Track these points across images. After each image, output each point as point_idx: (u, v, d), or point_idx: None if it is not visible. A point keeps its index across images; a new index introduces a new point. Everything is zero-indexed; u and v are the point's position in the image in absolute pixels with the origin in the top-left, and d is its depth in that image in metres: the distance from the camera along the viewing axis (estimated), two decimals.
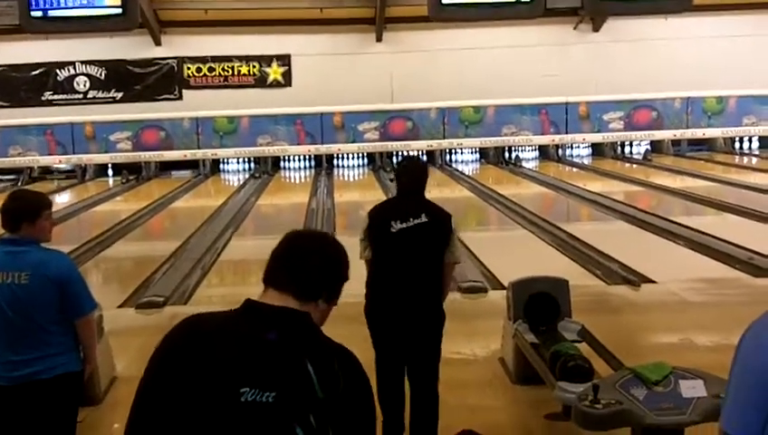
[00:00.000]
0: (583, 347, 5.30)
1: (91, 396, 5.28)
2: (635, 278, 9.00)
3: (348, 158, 23.08)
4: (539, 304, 5.65)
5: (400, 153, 22.99)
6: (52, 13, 7.83)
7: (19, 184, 22.10)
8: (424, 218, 4.81)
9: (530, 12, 8.34)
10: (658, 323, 7.76)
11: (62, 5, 7.83)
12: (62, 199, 18.99)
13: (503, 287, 8.58)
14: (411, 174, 5.01)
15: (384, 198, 16.83)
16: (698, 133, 23.44)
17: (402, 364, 4.85)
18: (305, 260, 2.19)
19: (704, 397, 3.71)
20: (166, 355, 2.10)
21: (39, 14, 7.86)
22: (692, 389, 3.71)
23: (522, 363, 5.63)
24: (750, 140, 24.02)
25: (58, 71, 23.07)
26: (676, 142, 23.76)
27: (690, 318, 7.86)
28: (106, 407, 5.43)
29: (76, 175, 22.87)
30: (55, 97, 23.20)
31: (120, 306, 8.53)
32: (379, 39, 23.18)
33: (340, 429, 2.04)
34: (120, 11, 7.96)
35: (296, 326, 2.09)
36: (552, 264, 9.95)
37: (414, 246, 4.77)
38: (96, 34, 20.85)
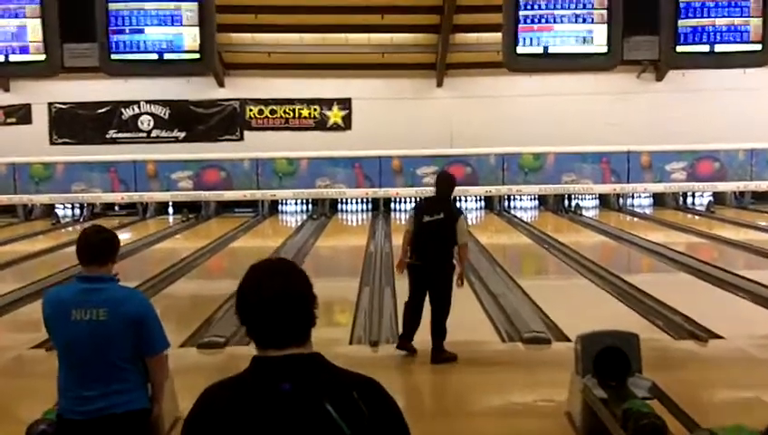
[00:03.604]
0: (654, 404, 5.16)
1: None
2: (702, 333, 8.78)
3: (405, 202, 23.12)
4: (608, 358, 5.53)
5: (458, 198, 22.95)
6: (131, 56, 7.97)
7: (81, 220, 22.51)
8: (441, 215, 7.92)
9: (606, 63, 8.26)
10: (728, 381, 7.53)
11: (142, 49, 7.96)
12: (122, 236, 19.09)
13: (566, 338, 8.48)
14: (439, 185, 8.24)
15: None
16: (762, 186, 23.05)
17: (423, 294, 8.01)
18: (291, 318, 2.17)
19: None
20: (194, 428, 2.15)
21: (119, 57, 8.01)
22: None
23: (590, 419, 5.49)
24: None
25: (123, 109, 23.56)
26: (739, 194, 23.39)
27: (760, 376, 7.63)
28: None
29: (137, 212, 23.23)
30: (119, 135, 23.65)
31: (181, 346, 8.56)
32: (439, 84, 23.29)
33: None
34: (198, 56, 8.07)
35: (307, 371, 2.12)
36: (615, 315, 9.80)
37: (434, 233, 7.90)
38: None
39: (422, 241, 7.96)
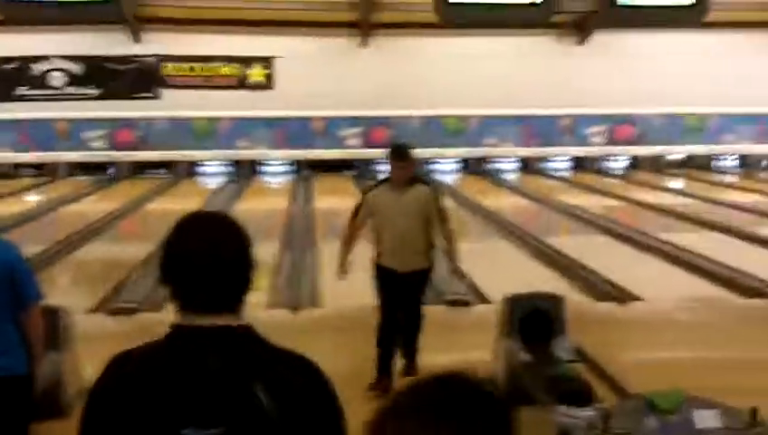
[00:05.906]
0: (579, 367, 5.09)
1: (58, 407, 5.00)
2: (621, 295, 8.82)
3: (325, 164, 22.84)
4: (534, 321, 5.43)
5: (382, 160, 22.74)
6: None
7: None
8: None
9: (539, 16, 8.15)
10: (648, 342, 7.57)
11: None
12: (31, 198, 18.62)
13: (486, 301, 8.41)
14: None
15: None
16: (681, 150, 23.48)
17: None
18: (219, 280, 1.89)
19: (719, 428, 3.47)
20: (98, 404, 1.87)
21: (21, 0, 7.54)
22: (706, 419, 3.47)
23: (513, 382, 5.39)
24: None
25: (32, 65, 22.55)
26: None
27: (679, 336, 7.68)
28: (74, 419, 5.12)
29: (47, 173, 22.40)
30: (29, 92, 22.68)
31: (91, 311, 8.21)
32: (364, 44, 22.92)
33: None
34: None
35: (239, 346, 1.87)
36: (536, 277, 9.80)
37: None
38: (74, 29, 20.51)
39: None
